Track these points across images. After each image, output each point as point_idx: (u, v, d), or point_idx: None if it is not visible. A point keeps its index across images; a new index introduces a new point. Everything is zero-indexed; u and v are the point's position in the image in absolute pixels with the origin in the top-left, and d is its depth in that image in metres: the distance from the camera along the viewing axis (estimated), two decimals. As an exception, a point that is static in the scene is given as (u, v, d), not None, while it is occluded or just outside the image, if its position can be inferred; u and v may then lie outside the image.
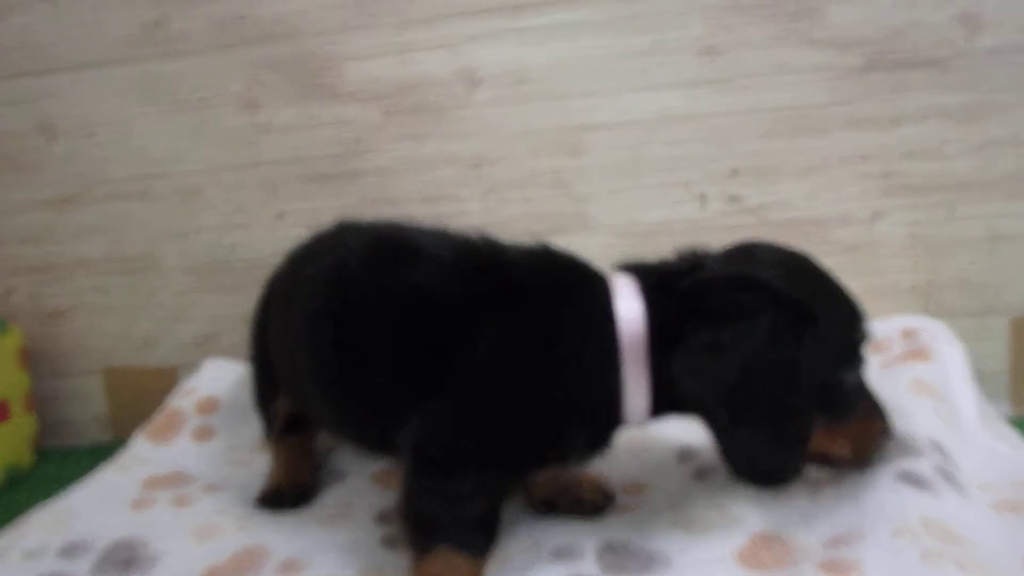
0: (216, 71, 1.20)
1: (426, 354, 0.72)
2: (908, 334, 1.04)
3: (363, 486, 0.98)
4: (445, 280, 0.74)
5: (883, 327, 1.06)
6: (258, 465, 1.05)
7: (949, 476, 0.78)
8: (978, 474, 0.82)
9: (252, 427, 1.15)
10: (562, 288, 0.72)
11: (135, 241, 1.26)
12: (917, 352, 0.99)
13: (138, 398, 1.29)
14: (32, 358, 1.29)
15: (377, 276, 0.78)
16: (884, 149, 1.08)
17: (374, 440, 0.81)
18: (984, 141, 1.06)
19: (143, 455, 1.07)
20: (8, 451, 1.20)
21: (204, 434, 1.13)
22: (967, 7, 1.04)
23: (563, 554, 0.75)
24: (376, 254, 0.79)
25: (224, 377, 1.20)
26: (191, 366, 1.23)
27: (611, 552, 0.74)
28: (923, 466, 0.77)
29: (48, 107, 1.24)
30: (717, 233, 1.10)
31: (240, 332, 1.26)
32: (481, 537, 0.68)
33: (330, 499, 0.96)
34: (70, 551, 0.84)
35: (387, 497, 0.92)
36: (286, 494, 0.93)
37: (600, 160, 1.15)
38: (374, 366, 0.76)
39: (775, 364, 0.67)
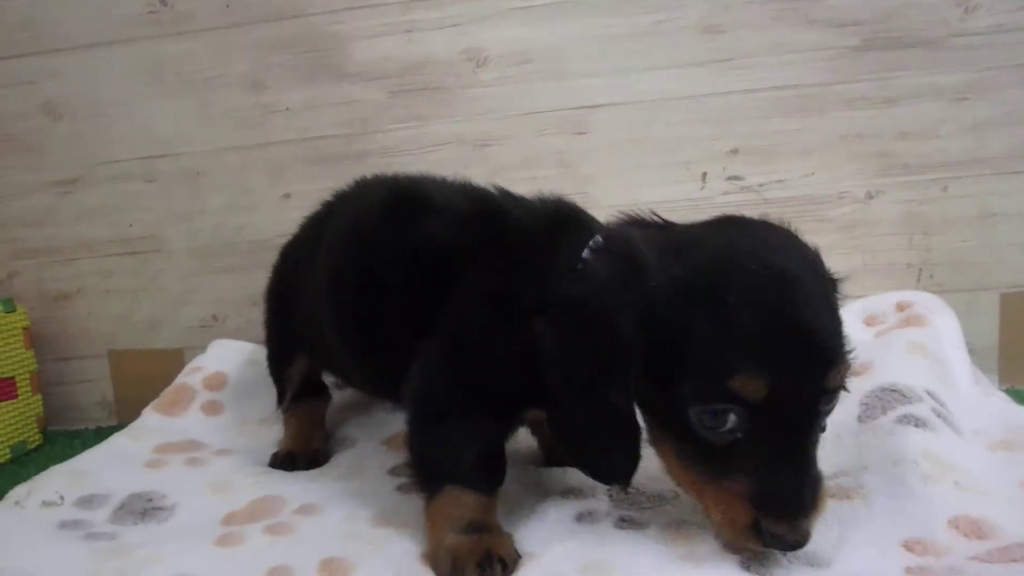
0: (222, 51, 1.21)
1: (427, 299, 0.75)
2: (903, 307, 1.08)
3: (373, 449, 1.01)
4: (449, 229, 0.77)
5: (878, 301, 1.11)
6: (268, 437, 1.08)
7: (946, 418, 0.83)
8: (971, 421, 0.85)
9: (260, 403, 1.18)
10: (542, 237, 0.72)
11: (140, 223, 1.27)
12: (912, 319, 1.02)
13: (143, 381, 1.30)
14: (36, 341, 1.29)
15: (393, 227, 0.81)
16: (880, 128, 1.12)
17: (389, 388, 0.82)
18: (977, 120, 1.10)
19: (153, 426, 1.09)
20: (15, 430, 1.21)
21: (213, 408, 1.15)
22: (961, -12, 1.08)
23: (574, 492, 0.78)
24: (393, 207, 0.83)
25: (231, 357, 1.22)
26: (196, 349, 1.24)
27: (621, 490, 0.77)
28: (921, 410, 0.82)
29: (52, 87, 1.24)
30: (717, 211, 1.13)
31: (246, 314, 1.29)
32: (484, 476, 0.70)
33: (342, 461, 0.99)
34: (87, 502, 0.86)
35: (397, 458, 0.95)
36: (298, 458, 0.96)
37: (603, 140, 1.18)
38: (386, 313, 0.80)
39: (593, 348, 0.61)
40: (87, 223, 1.28)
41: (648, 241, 0.64)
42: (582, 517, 0.74)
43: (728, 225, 0.67)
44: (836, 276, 0.66)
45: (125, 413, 1.29)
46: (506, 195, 0.81)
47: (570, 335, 0.64)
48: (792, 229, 0.65)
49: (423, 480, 0.72)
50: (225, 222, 1.26)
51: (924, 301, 1.06)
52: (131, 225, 1.28)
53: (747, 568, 0.65)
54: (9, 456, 1.20)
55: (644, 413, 0.64)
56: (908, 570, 0.65)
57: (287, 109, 1.22)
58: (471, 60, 1.18)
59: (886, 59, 1.11)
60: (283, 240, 1.14)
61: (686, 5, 1.12)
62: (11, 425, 1.21)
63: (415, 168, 1.27)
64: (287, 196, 1.24)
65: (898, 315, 1.07)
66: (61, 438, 1.31)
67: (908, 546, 0.68)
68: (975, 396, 0.94)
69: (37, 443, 1.26)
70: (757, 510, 0.57)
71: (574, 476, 0.82)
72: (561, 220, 0.75)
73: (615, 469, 0.66)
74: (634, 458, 0.64)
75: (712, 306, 0.57)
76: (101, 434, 1.28)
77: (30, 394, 1.25)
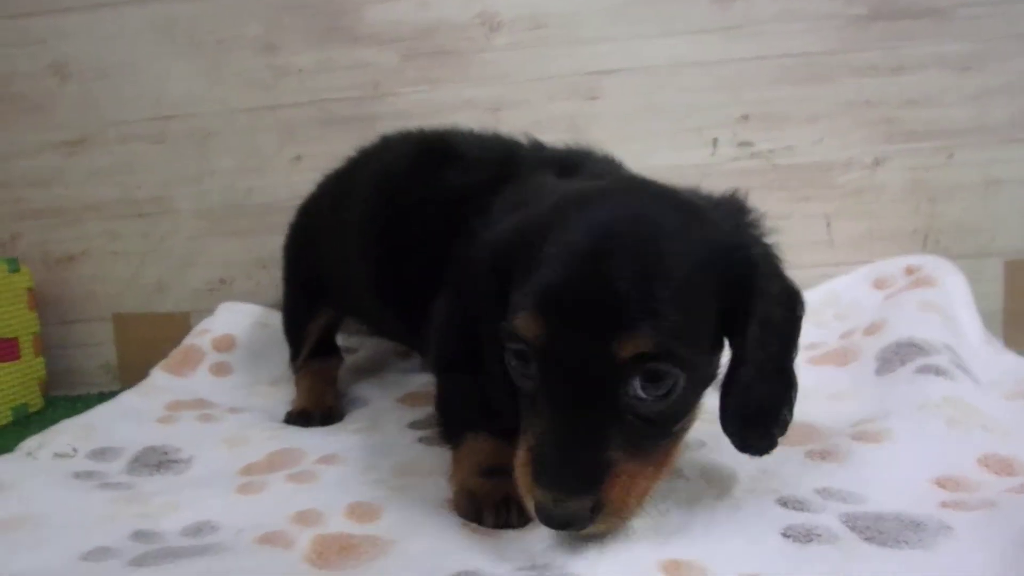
0: (235, 13, 1.17)
1: (445, 246, 0.73)
2: (912, 270, 1.07)
3: (389, 406, 0.98)
4: (464, 175, 0.76)
5: (887, 265, 1.10)
6: (279, 397, 1.04)
7: (964, 369, 0.82)
8: (986, 374, 0.85)
9: (270, 365, 1.14)
10: (536, 182, 0.69)
11: (147, 185, 1.23)
12: (922, 280, 1.01)
13: (147, 345, 1.26)
14: (39, 304, 1.24)
15: (418, 176, 0.80)
16: (886, 96, 1.11)
17: (417, 338, 0.81)
18: (980, 89, 1.10)
19: (162, 384, 1.05)
20: (18, 392, 1.16)
21: (222, 370, 1.11)
22: (966, -41, 1.07)
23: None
24: (419, 157, 0.82)
25: (240, 320, 1.18)
26: (203, 312, 1.20)
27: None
28: (940, 360, 0.81)
29: (61, 47, 1.19)
30: (727, 177, 1.12)
31: (255, 277, 1.25)
32: (503, 422, 0.67)
33: (358, 418, 0.96)
34: (100, 454, 0.83)
35: (416, 413, 0.92)
36: (313, 414, 0.93)
37: (615, 105, 1.16)
38: (411, 261, 0.79)
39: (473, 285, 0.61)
40: (94, 184, 1.24)
41: (548, 191, 0.62)
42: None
43: (616, 185, 0.63)
44: (758, 258, 0.56)
45: (129, 377, 1.24)
46: (533, 144, 0.78)
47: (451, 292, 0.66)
48: (698, 206, 0.58)
49: (447, 432, 0.71)
50: (234, 184, 1.22)
51: (933, 263, 1.06)
52: (139, 187, 1.23)
53: (784, 504, 0.64)
54: (11, 418, 1.14)
55: None
56: (944, 504, 0.63)
57: (299, 71, 1.19)
58: (484, 24, 1.16)
59: (893, 28, 1.10)
60: (294, 203, 1.11)
61: (699, -30, 1.11)
62: (13, 387, 1.16)
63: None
64: (298, 158, 1.21)
65: (907, 278, 1.06)
66: (63, 402, 1.26)
67: (940, 483, 0.67)
68: (987, 352, 0.93)
69: (39, 407, 1.21)
70: (531, 473, 0.53)
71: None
72: (567, 166, 0.72)
73: (502, 402, 0.63)
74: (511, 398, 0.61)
75: (529, 251, 0.55)
76: (104, 399, 1.22)
77: (33, 356, 1.20)
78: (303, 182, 1.12)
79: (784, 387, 0.60)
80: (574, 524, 0.52)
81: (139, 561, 0.59)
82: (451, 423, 0.71)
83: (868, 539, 0.58)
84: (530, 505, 0.53)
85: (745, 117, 1.14)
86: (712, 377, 0.60)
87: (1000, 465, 0.68)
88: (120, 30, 1.20)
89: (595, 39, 1.14)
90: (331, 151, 1.19)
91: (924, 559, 0.55)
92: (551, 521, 0.51)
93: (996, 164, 1.11)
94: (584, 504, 0.51)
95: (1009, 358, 0.93)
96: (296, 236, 1.04)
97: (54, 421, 1.25)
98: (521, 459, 0.55)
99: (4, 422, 1.13)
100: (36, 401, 1.20)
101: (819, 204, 1.12)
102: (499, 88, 1.17)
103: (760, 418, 0.59)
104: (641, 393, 0.52)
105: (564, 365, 0.52)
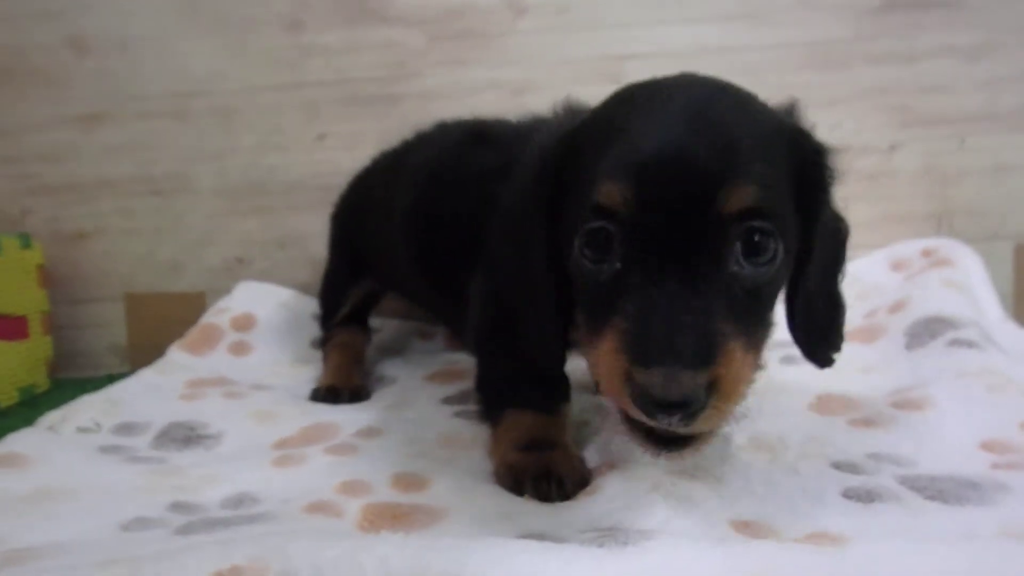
0: (261, -11, 1.15)
1: (478, 224, 0.70)
2: (928, 252, 1.07)
3: (418, 384, 0.94)
4: (494, 152, 0.74)
5: (904, 248, 1.10)
6: (303, 376, 1.00)
7: (993, 342, 0.81)
8: (1013, 349, 0.85)
9: (291, 345, 1.10)
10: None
11: (165, 161, 1.18)
12: (940, 261, 1.01)
13: (159, 326, 1.21)
14: (48, 283, 1.19)
15: (457, 159, 0.79)
16: (901, 83, 1.12)
17: (456, 316, 0.79)
18: (990, 78, 1.11)
19: (181, 362, 1.00)
20: (25, 372, 1.10)
21: (241, 349, 1.07)
22: (977, -48, 1.08)
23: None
24: (460, 142, 0.81)
25: (259, 299, 1.14)
26: (219, 292, 1.16)
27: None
28: (971, 334, 0.81)
29: (80, 20, 1.14)
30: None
31: (273, 256, 1.21)
32: (541, 395, 0.66)
33: (387, 396, 0.92)
34: (125, 429, 0.79)
35: (448, 390, 0.89)
36: (341, 391, 0.90)
37: (638, 89, 1.15)
38: (449, 240, 0.77)
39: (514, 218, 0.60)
40: (110, 160, 1.18)
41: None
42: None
43: (671, 78, 0.57)
44: (823, 145, 0.55)
45: (139, 359, 1.19)
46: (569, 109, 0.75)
47: (499, 221, 0.62)
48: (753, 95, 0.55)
49: (488, 410, 0.69)
50: (256, 162, 1.18)
51: (948, 246, 1.06)
52: (156, 163, 1.18)
53: (839, 468, 0.62)
54: (17, 398, 1.09)
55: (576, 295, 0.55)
56: (995, 465, 0.62)
57: (325, 50, 1.15)
58: (510, 8, 1.14)
59: (907, 18, 1.11)
60: (317, 181, 1.08)
61: (723, -41, 1.10)
62: (21, 366, 1.10)
63: (450, 112, 1.22)
64: (322, 137, 1.17)
65: (924, 260, 1.06)
66: (69, 385, 1.20)
67: (987, 446, 0.66)
68: (1010, 330, 0.92)
69: (45, 388, 1.15)
70: (630, 360, 0.45)
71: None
72: None
73: (544, 349, 0.60)
74: (557, 335, 0.58)
75: (598, 135, 0.51)
76: (113, 381, 1.18)
77: (41, 335, 1.15)
78: (327, 160, 1.08)
79: (836, 308, 0.60)
80: (691, 404, 0.43)
81: (186, 530, 0.55)
82: (491, 400, 0.69)
83: (930, 498, 0.57)
84: (623, 398, 0.45)
85: (765, 102, 1.13)
86: (789, 269, 0.54)
87: (1044, 430, 0.67)
88: (142, 4, 1.15)
89: (619, 24, 1.13)
90: (356, 130, 1.16)
91: (989, 514, 0.54)
92: (660, 405, 0.43)
93: (1006, 150, 1.11)
94: (699, 380, 0.43)
95: (1029, 334, 0.92)
96: (345, 207, 1.03)
97: (62, 403, 1.20)
98: (609, 346, 0.46)
99: (11, 402, 1.08)
100: (43, 382, 1.15)
101: (837, 187, 1.12)
102: (523, 71, 1.15)
103: (823, 329, 0.58)
104: (742, 261, 0.48)
105: (660, 232, 0.46)
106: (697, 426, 0.45)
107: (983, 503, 0.55)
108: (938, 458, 0.64)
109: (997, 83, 1.11)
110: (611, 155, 0.48)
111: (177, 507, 0.60)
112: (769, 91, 1.12)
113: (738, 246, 0.48)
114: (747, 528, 0.53)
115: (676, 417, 0.43)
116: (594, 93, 1.14)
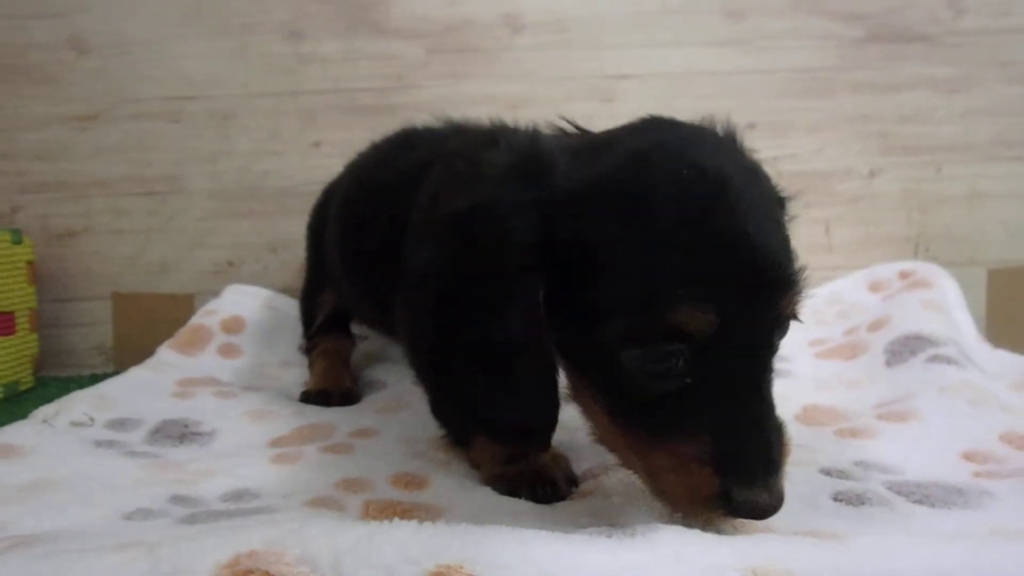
0: (263, -2, 1.16)
1: (400, 231, 0.65)
2: (905, 274, 1.11)
3: (410, 388, 0.94)
4: (418, 156, 0.72)
5: (882, 270, 1.14)
6: (291, 378, 1.00)
7: (970, 360, 0.84)
8: (988, 368, 0.88)
9: (280, 347, 1.09)
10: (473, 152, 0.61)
11: (159, 163, 1.18)
12: (918, 283, 1.05)
13: (146, 327, 1.19)
14: (36, 279, 1.17)
15: (384, 162, 0.79)
16: (882, 112, 1.17)
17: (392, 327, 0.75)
18: (967, 109, 1.16)
19: (171, 361, 0.99)
20: (10, 368, 1.08)
21: (230, 351, 1.06)
22: (953, -9, 1.14)
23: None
24: (391, 144, 0.81)
25: (248, 302, 1.14)
26: (207, 295, 1.15)
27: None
28: (950, 351, 0.84)
29: (81, 20, 1.15)
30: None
31: (264, 260, 1.21)
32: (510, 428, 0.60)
33: (379, 400, 0.92)
34: (118, 424, 0.78)
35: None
36: (333, 394, 0.90)
37: (631, 108, 1.16)
38: (374, 247, 0.73)
39: (479, 260, 0.47)
40: (103, 160, 1.18)
41: (561, 146, 0.52)
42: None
43: (652, 125, 0.53)
44: (782, 194, 0.55)
45: (124, 360, 1.18)
46: (499, 127, 0.72)
47: (448, 247, 0.49)
48: (729, 135, 0.54)
49: (454, 434, 0.66)
50: (251, 166, 1.18)
51: (925, 268, 1.10)
52: (149, 165, 1.18)
53: (828, 474, 0.64)
54: (2, 395, 1.07)
55: (559, 357, 0.50)
56: (976, 474, 0.65)
57: (323, 59, 1.17)
58: (509, 25, 1.17)
59: (890, 51, 1.16)
60: (310, 188, 1.08)
61: (712, -11, 1.15)
62: (6, 362, 1.08)
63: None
64: (317, 144, 1.18)
65: (902, 281, 1.10)
66: (53, 383, 1.18)
67: (968, 456, 0.68)
68: (984, 350, 0.96)
69: (29, 385, 1.13)
70: (723, 475, 0.44)
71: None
72: (486, 142, 0.62)
73: (534, 427, 0.51)
74: (552, 408, 0.50)
75: (635, 213, 0.45)
76: (96, 381, 1.16)
77: (28, 332, 1.13)
78: (321, 167, 1.09)
79: None
80: (781, 503, 0.45)
81: (190, 520, 0.55)
82: (454, 425, 0.65)
83: (918, 502, 0.59)
84: (714, 511, 0.45)
85: (752, 125, 1.17)
86: None
87: (1021, 441, 0.70)
88: (143, 7, 1.16)
89: (614, 45, 1.17)
90: (351, 139, 1.17)
91: (975, 516, 0.56)
92: (760, 512, 0.45)
93: (980, 179, 1.17)
94: (782, 477, 0.45)
95: (1002, 354, 0.96)
96: (315, 217, 1.02)
97: (46, 400, 1.18)
98: (689, 464, 0.45)
99: (-4, 398, 1.06)
100: (27, 379, 1.13)
101: (819, 210, 1.16)
102: (519, 86, 1.17)
103: None
104: (778, 342, 0.48)
105: (737, 345, 0.44)
106: None
107: (969, 507, 0.58)
108: (923, 466, 0.66)
109: (973, 115, 1.16)
110: (674, 264, 0.43)
111: (178, 500, 0.60)
112: (756, 114, 1.17)
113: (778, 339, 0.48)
114: (744, 526, 0.55)
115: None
116: (587, 110, 1.18)
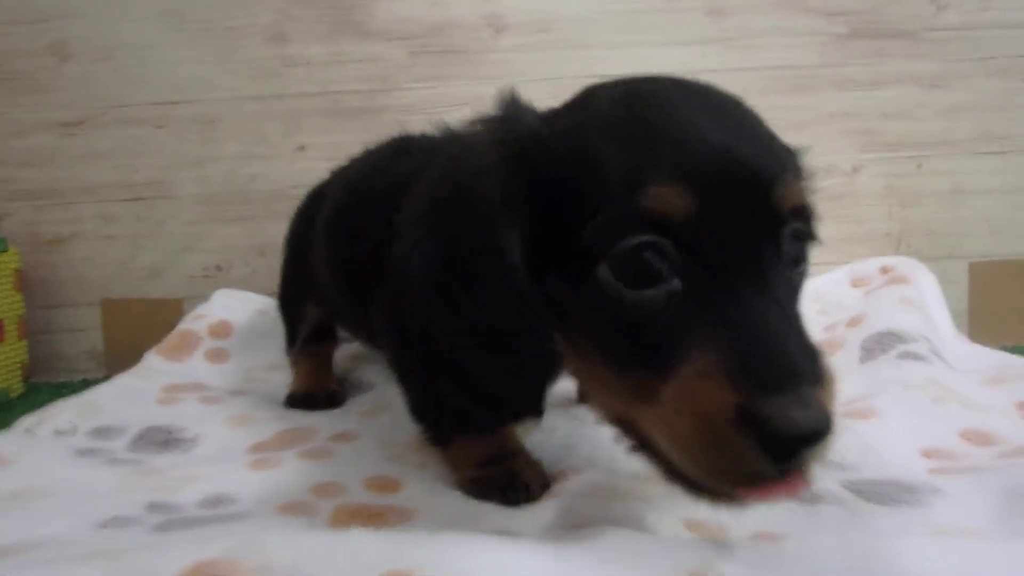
0: (246, 2, 1.17)
1: (387, 238, 0.63)
2: (886, 270, 1.13)
3: (394, 390, 0.96)
4: (409, 163, 0.71)
5: (863, 265, 1.16)
6: (278, 382, 1.03)
7: (941, 356, 0.87)
8: (961, 364, 0.90)
9: (267, 351, 1.12)
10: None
11: (146, 168, 1.20)
12: (897, 279, 1.07)
13: (136, 332, 1.23)
14: (25, 287, 1.20)
15: (375, 169, 0.79)
16: (865, 109, 1.18)
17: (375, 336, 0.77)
18: (948, 106, 1.17)
19: (158, 367, 1.02)
20: (0, 376, 1.12)
21: (218, 356, 1.09)
22: (934, -13, 1.15)
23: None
24: (383, 151, 0.81)
25: (236, 306, 1.16)
26: (197, 299, 1.18)
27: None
28: (920, 348, 0.86)
29: (64, 27, 1.17)
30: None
31: (252, 264, 1.23)
32: (487, 419, 0.65)
33: (364, 401, 0.95)
34: (102, 432, 0.81)
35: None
36: (317, 397, 0.92)
37: (613, 108, 1.20)
38: (364, 263, 0.73)
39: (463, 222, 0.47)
40: (90, 166, 1.21)
41: (538, 112, 0.53)
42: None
43: (630, 79, 0.53)
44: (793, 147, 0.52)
45: (115, 364, 1.21)
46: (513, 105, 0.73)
47: (431, 221, 0.49)
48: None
49: (433, 435, 0.68)
50: (237, 170, 1.20)
51: (905, 264, 1.12)
52: (137, 170, 1.21)
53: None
54: (-7, 403, 1.10)
55: (555, 319, 0.47)
56: (932, 471, 0.67)
57: (308, 63, 1.19)
58: (491, 26, 1.18)
59: (872, 47, 1.17)
60: (297, 191, 1.10)
61: (695, -12, 1.16)
62: (-3, 370, 1.11)
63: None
64: (302, 148, 1.20)
65: (882, 277, 1.11)
66: (45, 389, 1.22)
67: (927, 454, 0.71)
68: (960, 345, 0.98)
69: (20, 392, 1.16)
70: (741, 390, 0.37)
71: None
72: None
73: (523, 392, 0.51)
74: (545, 370, 0.49)
75: (616, 128, 0.44)
76: (88, 386, 1.19)
77: (17, 339, 1.16)
78: (307, 171, 1.11)
79: None
80: (827, 421, 0.37)
81: (163, 527, 0.58)
82: (433, 426, 0.67)
83: (869, 500, 0.61)
84: (737, 446, 0.37)
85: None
86: None
87: (980, 438, 0.72)
88: (127, 12, 1.18)
89: (598, 44, 1.18)
90: (337, 142, 1.20)
91: (922, 515, 0.58)
92: (801, 434, 0.36)
93: (961, 175, 1.18)
94: (820, 395, 0.37)
95: (977, 349, 0.98)
96: (296, 221, 1.02)
97: (37, 407, 1.21)
98: (701, 382, 0.38)
99: (-14, 406, 1.09)
100: (17, 386, 1.16)
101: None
102: (503, 87, 1.19)
103: None
104: (788, 249, 0.43)
105: (727, 240, 0.40)
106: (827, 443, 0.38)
107: (916, 505, 0.60)
108: (881, 464, 0.68)
109: (955, 111, 1.17)
110: (656, 153, 0.41)
111: (154, 507, 0.62)
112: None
113: (786, 245, 0.43)
114: (700, 528, 0.58)
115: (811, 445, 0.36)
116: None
